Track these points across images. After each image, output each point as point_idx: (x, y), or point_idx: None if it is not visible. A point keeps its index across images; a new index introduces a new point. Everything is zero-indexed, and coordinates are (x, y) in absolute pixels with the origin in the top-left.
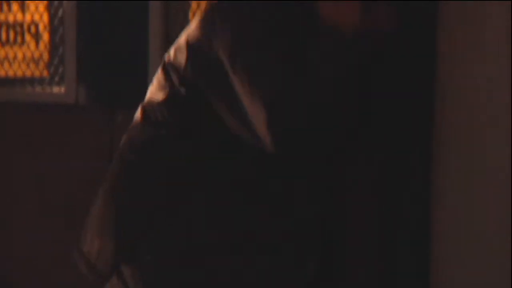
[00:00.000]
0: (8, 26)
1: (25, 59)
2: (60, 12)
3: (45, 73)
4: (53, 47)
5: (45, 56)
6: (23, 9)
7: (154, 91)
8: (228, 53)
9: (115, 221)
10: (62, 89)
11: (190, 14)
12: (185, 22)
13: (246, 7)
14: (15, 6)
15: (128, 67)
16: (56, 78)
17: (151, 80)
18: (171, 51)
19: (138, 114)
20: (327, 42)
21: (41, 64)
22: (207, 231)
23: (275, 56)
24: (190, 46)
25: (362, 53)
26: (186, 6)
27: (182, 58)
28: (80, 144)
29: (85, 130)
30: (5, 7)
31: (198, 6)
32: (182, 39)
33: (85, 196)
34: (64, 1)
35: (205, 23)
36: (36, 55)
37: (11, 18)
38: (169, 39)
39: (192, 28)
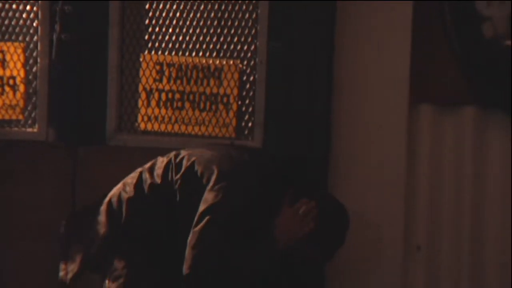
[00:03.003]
0: None
1: (4, 105)
2: (34, 68)
3: (20, 117)
4: (28, 96)
5: (21, 103)
6: (3, 66)
7: (159, 165)
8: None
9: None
10: (35, 129)
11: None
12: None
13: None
14: None
15: (88, 114)
16: (30, 121)
17: (106, 122)
18: (186, 158)
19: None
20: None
21: (18, 110)
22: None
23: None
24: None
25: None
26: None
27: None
28: (49, 173)
29: (53, 162)
30: None
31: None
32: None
33: (53, 218)
34: (39, 59)
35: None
36: (14, 102)
37: None
38: (123, 88)
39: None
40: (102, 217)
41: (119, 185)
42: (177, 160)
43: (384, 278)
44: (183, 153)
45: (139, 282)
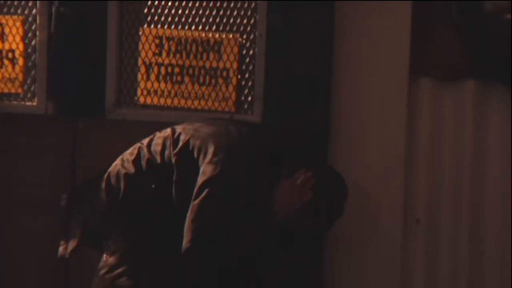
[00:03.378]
0: None
1: (3, 79)
2: (33, 42)
3: (20, 90)
4: (27, 69)
5: (20, 76)
6: (2, 39)
7: (157, 141)
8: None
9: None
10: (34, 103)
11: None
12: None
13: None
14: None
15: (88, 88)
16: (29, 94)
17: (106, 96)
18: (183, 134)
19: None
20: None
21: (17, 83)
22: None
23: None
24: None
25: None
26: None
27: (178, 145)
28: (49, 147)
29: (53, 135)
30: None
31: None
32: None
33: (53, 191)
34: (38, 33)
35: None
36: (13, 75)
37: None
38: (123, 62)
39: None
40: (101, 193)
41: (118, 161)
42: (175, 136)
43: (383, 251)
44: (180, 128)
45: (137, 257)
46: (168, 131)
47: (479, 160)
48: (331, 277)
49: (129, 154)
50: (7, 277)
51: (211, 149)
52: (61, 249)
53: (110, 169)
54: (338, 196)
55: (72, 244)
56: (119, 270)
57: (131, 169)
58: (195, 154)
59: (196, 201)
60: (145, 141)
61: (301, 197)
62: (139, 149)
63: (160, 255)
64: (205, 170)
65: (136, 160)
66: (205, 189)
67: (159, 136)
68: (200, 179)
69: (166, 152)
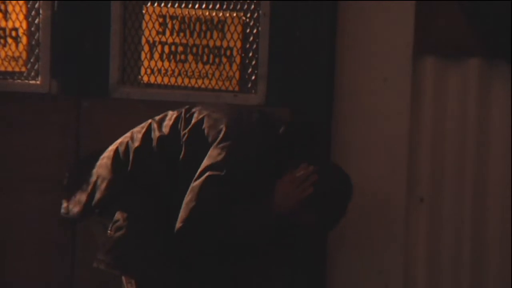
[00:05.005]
0: None
1: (7, 57)
2: (37, 20)
3: (23, 69)
4: (30, 48)
5: (24, 55)
6: (6, 17)
7: (169, 117)
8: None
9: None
10: (38, 81)
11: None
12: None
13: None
14: None
15: (92, 67)
16: (33, 73)
17: (110, 75)
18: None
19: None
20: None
21: (20, 61)
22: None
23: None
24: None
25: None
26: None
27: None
28: (53, 125)
29: (56, 114)
30: None
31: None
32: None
33: (57, 169)
34: (41, 11)
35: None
36: (17, 54)
37: None
38: (126, 41)
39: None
40: (108, 164)
41: (127, 134)
42: (188, 114)
43: (387, 230)
44: (195, 108)
45: (140, 235)
46: (182, 109)
47: (483, 137)
48: (333, 250)
49: (139, 128)
50: (12, 254)
51: (221, 134)
52: (63, 210)
53: (119, 141)
54: (341, 195)
55: (75, 207)
56: (122, 244)
57: (140, 143)
58: (206, 133)
59: (196, 183)
60: (157, 118)
61: (301, 192)
62: (150, 124)
63: (163, 234)
64: (211, 153)
65: (146, 135)
66: (206, 172)
67: (172, 114)
68: (205, 162)
69: (177, 130)
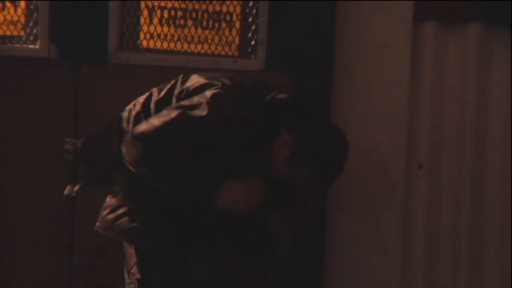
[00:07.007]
0: None
1: (6, 21)
2: None
3: (22, 33)
4: (29, 12)
5: (22, 19)
6: None
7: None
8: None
9: None
10: (37, 46)
11: None
12: None
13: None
14: None
15: (90, 31)
16: (31, 37)
17: (108, 40)
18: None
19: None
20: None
21: (19, 26)
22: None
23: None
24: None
25: None
26: None
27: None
28: (51, 91)
29: (55, 79)
30: None
31: None
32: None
33: (56, 134)
34: None
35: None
36: (15, 18)
37: None
38: (125, 5)
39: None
40: (111, 133)
41: (130, 105)
42: (184, 78)
43: (386, 196)
44: (192, 75)
45: (138, 200)
46: (180, 76)
47: (483, 103)
48: (333, 216)
49: (141, 98)
50: (10, 220)
51: (211, 90)
52: (66, 191)
53: (123, 111)
54: (326, 143)
55: (77, 185)
56: (120, 211)
57: (141, 109)
58: (200, 92)
59: (174, 109)
60: (160, 86)
61: (281, 152)
62: (151, 92)
63: (162, 203)
64: (199, 99)
65: (146, 102)
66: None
67: (171, 81)
68: (193, 99)
69: (174, 92)
